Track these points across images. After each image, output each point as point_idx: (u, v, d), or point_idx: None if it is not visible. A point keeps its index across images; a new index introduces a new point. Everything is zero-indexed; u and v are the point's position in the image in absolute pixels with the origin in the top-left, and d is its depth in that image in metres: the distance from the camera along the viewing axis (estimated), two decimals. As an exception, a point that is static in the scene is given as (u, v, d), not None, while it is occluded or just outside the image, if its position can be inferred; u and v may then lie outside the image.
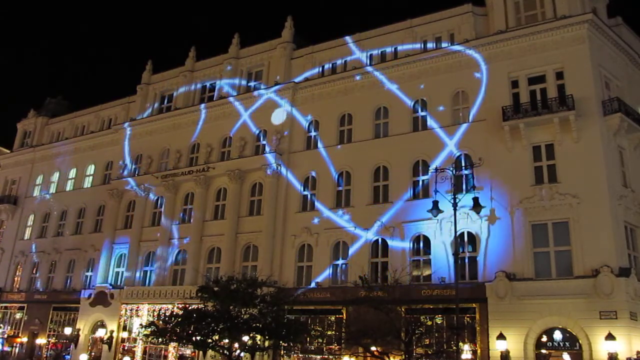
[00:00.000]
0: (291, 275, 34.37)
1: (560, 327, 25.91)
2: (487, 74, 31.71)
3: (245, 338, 27.60)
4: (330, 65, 38.36)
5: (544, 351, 26.19)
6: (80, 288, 43.46)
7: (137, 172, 44.42)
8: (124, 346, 38.52)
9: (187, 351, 34.82)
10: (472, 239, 29.63)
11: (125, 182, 43.73)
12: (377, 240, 32.29)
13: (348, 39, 37.94)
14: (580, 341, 25.33)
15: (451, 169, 23.47)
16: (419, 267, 30.93)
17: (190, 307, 28.53)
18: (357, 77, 36.07)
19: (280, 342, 28.45)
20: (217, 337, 27.25)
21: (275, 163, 36.77)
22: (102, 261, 42.55)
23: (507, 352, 26.03)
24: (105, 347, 38.66)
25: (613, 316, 24.71)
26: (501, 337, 26.22)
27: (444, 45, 34.01)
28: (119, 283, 41.49)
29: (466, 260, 29.39)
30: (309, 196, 36.03)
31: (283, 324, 27.98)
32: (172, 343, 31.11)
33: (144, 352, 37.29)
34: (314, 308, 32.48)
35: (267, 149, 38.11)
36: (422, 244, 30.95)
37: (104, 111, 50.82)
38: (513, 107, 29.67)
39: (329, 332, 31.66)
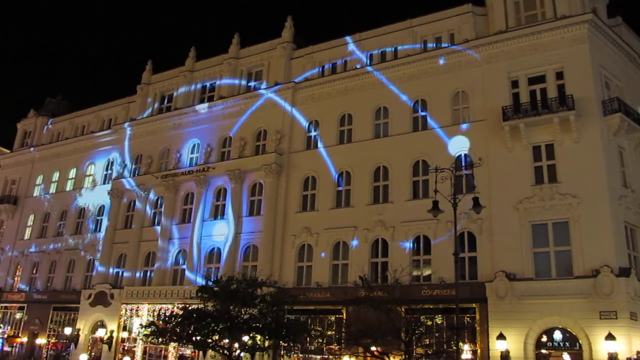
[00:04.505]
0: (291, 275, 34.36)
1: (560, 327, 25.91)
2: (487, 74, 31.70)
3: (245, 338, 27.62)
4: (330, 65, 38.34)
5: (544, 351, 26.19)
6: (80, 288, 43.47)
7: (137, 172, 44.44)
8: (124, 346, 38.51)
9: (187, 351, 34.82)
10: (472, 239, 29.64)
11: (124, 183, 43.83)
12: (377, 240, 32.30)
13: (348, 39, 37.94)
14: (580, 341, 25.34)
15: (451, 169, 23.39)
16: (419, 267, 30.94)
17: (190, 307, 28.54)
18: (357, 78, 36.06)
19: (280, 342, 28.49)
20: (217, 337, 27.28)
21: (275, 163, 36.76)
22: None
23: (507, 352, 26.04)
24: (105, 347, 38.65)
25: (613, 316, 24.72)
26: (501, 337, 26.22)
27: (444, 45, 34.01)
28: (118, 283, 41.56)
29: (466, 260, 29.38)
30: (309, 196, 36.04)
31: (283, 324, 28.02)
32: (172, 343, 31.11)
33: (144, 352, 37.29)
34: (314, 308, 32.48)
35: (267, 149, 38.11)
36: (422, 244, 30.97)
37: (104, 111, 50.81)
38: (513, 107, 29.67)
39: (329, 332, 31.68)
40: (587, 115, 28.24)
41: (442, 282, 28.90)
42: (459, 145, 31.26)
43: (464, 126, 31.60)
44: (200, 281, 32.97)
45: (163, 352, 36.27)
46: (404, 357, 24.79)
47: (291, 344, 29.02)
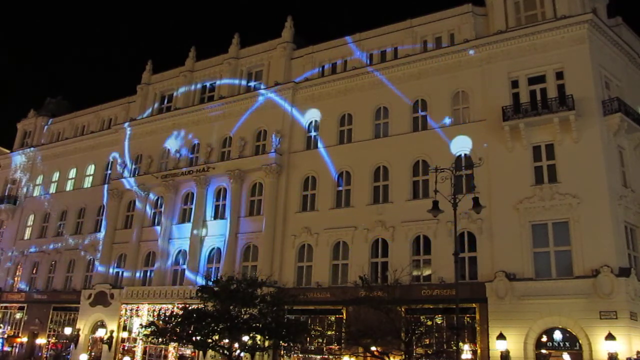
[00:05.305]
0: (291, 275, 34.36)
1: (560, 327, 25.92)
2: (487, 74, 31.69)
3: (245, 338, 27.62)
4: (330, 65, 38.36)
5: (544, 351, 26.20)
6: (80, 288, 43.46)
7: (137, 172, 44.44)
8: (124, 346, 38.52)
9: (187, 351, 34.83)
10: (472, 239, 29.64)
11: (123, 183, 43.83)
12: (377, 240, 32.30)
13: (348, 39, 37.94)
14: (580, 341, 25.35)
15: (451, 169, 23.39)
16: (419, 267, 30.93)
17: (190, 307, 28.54)
18: (357, 78, 36.04)
19: (280, 342, 28.49)
20: (217, 337, 27.28)
21: (275, 163, 36.76)
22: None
23: (507, 352, 26.04)
24: (105, 347, 38.66)
25: (613, 316, 24.73)
26: (501, 337, 26.23)
27: (443, 45, 34.01)
28: (118, 283, 41.57)
29: (466, 260, 29.37)
30: (309, 196, 36.05)
31: (283, 324, 28.03)
32: (172, 343, 31.11)
33: (144, 352, 37.30)
34: (314, 308, 32.49)
35: (267, 149, 38.12)
36: (422, 244, 30.97)
37: (104, 111, 50.83)
38: (513, 107, 29.67)
39: (329, 332, 31.69)
40: (587, 115, 28.24)
41: (442, 282, 28.90)
42: (461, 145, 31.25)
43: (464, 126, 31.58)
44: (200, 281, 33.00)
45: (163, 352, 36.28)
46: (404, 357, 24.79)
47: (291, 344, 29.04)
